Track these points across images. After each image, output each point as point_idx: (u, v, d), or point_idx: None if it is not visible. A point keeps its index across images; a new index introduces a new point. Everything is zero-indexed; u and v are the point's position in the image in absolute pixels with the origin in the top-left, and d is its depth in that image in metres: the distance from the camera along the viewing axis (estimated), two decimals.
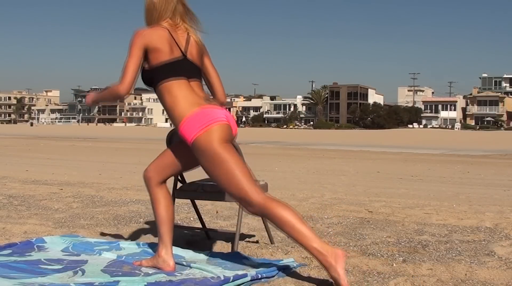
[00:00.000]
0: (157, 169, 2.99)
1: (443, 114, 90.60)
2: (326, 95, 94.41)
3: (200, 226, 3.93)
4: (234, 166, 2.76)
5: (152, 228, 4.06)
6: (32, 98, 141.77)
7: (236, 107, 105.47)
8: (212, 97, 3.09)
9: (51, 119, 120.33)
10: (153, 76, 2.89)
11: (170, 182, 3.64)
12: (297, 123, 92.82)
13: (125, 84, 2.82)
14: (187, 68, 2.93)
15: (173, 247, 3.37)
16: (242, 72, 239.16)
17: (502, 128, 79.13)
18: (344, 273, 2.60)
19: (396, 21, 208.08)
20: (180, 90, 2.86)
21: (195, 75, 2.97)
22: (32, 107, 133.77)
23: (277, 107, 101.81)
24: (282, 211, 2.70)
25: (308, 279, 2.84)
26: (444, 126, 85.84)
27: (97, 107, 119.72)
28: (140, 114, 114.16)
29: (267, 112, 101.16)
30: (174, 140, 3.15)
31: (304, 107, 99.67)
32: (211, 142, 2.75)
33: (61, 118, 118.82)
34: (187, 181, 3.56)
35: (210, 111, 2.84)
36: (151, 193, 3.01)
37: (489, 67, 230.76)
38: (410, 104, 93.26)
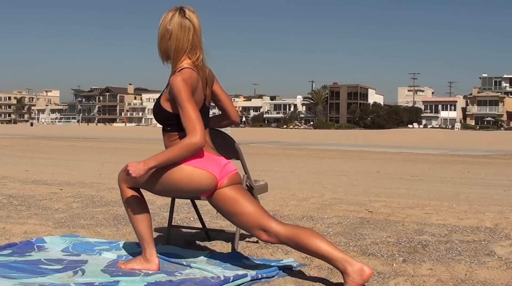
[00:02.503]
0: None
1: (443, 114, 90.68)
2: (326, 95, 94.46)
3: (200, 226, 3.93)
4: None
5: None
6: (32, 98, 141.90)
7: (236, 107, 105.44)
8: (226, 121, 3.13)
9: (51, 119, 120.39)
10: (177, 122, 2.75)
11: None
12: (297, 123, 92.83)
13: (199, 134, 2.66)
14: (206, 117, 2.88)
15: (173, 247, 3.38)
16: (242, 72, 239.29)
17: (502, 128, 79.20)
18: None
19: (396, 20, 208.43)
20: None
21: (207, 121, 2.92)
22: (32, 107, 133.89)
23: (277, 107, 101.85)
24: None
25: (308, 279, 2.84)
26: (444, 126, 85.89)
27: (97, 107, 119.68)
28: (140, 114, 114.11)
29: (267, 112, 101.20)
30: None
31: (304, 107, 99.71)
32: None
33: (61, 118, 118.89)
34: None
35: (211, 158, 2.80)
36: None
37: (489, 67, 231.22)
38: (410, 104, 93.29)
